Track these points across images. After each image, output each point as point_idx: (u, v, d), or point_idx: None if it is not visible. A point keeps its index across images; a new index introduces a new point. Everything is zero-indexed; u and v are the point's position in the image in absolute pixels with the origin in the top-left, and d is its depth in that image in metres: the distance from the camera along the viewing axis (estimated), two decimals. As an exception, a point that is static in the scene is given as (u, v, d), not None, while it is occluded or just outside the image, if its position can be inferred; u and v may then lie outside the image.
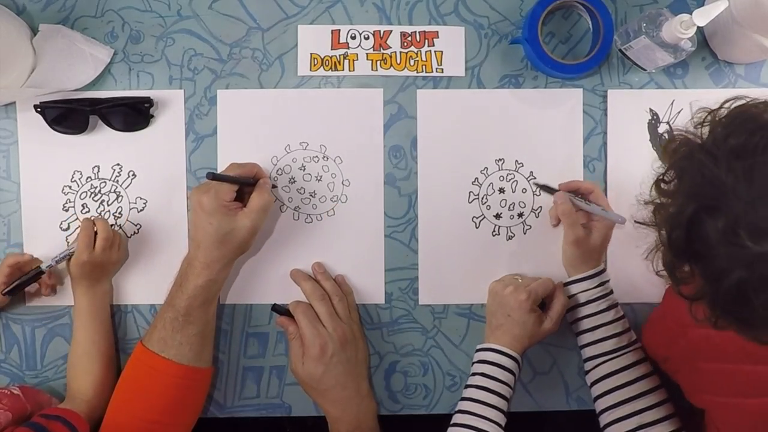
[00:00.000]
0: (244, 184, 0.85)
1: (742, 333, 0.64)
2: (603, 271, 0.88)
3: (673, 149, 0.67)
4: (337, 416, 0.86)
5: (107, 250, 0.87)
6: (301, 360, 0.85)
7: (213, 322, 0.87)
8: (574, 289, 0.88)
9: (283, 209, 0.93)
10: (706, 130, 0.65)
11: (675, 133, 0.68)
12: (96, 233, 0.87)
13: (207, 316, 0.84)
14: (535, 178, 0.92)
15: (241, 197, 0.85)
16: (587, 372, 0.86)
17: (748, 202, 0.58)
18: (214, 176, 0.81)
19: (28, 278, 0.87)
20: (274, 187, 0.92)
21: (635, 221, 0.81)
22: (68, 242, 0.91)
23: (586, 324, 0.86)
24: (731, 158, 0.60)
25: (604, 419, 0.83)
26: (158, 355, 0.81)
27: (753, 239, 0.57)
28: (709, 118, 0.65)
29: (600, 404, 0.83)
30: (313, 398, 0.89)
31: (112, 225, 0.91)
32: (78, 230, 0.87)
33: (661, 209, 0.67)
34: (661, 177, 0.68)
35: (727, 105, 0.65)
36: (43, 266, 0.87)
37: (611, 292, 0.88)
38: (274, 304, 0.89)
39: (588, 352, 0.86)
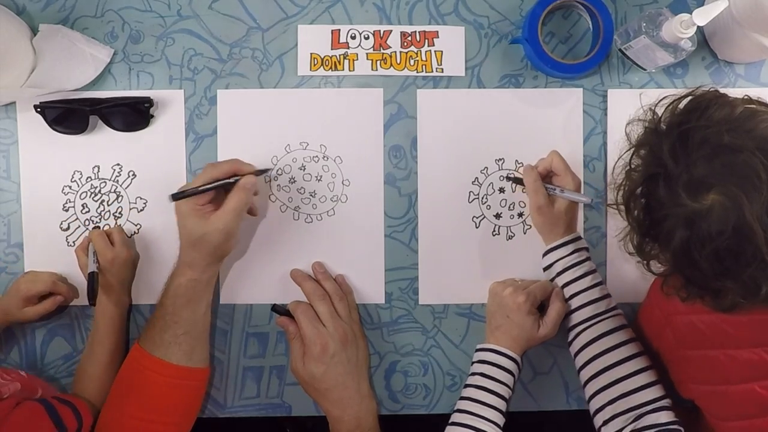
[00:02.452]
0: (214, 189, 0.81)
1: (707, 304, 0.69)
2: (577, 238, 0.88)
3: (636, 139, 0.74)
4: (338, 416, 0.86)
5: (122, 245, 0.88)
6: (302, 360, 0.85)
7: (203, 324, 0.85)
8: (550, 258, 0.88)
9: (283, 209, 0.93)
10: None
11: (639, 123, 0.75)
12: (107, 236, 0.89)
13: (195, 317, 0.83)
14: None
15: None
16: (570, 343, 0.86)
17: (683, 163, 0.64)
18: (176, 197, 0.80)
19: (94, 283, 0.85)
20: (273, 179, 0.91)
21: (607, 204, 0.89)
22: (69, 243, 0.92)
23: (564, 292, 0.87)
24: (670, 130, 0.68)
25: (588, 390, 0.82)
26: (150, 354, 0.81)
27: (690, 196, 0.63)
28: (669, 108, 0.72)
29: (584, 375, 0.83)
30: (313, 398, 0.89)
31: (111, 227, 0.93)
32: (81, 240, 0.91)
33: (624, 190, 0.73)
34: (628, 165, 0.74)
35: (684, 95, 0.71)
36: (90, 270, 0.86)
37: (587, 258, 0.88)
38: (274, 305, 0.89)
39: (568, 322, 0.86)
